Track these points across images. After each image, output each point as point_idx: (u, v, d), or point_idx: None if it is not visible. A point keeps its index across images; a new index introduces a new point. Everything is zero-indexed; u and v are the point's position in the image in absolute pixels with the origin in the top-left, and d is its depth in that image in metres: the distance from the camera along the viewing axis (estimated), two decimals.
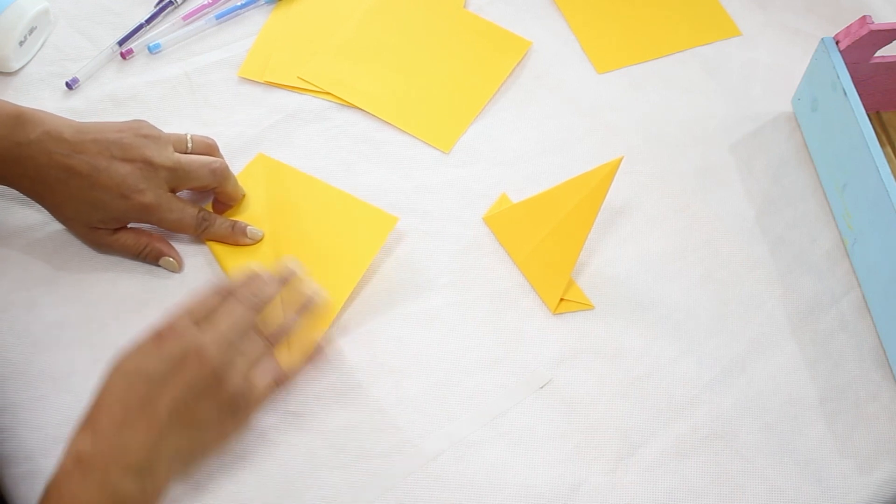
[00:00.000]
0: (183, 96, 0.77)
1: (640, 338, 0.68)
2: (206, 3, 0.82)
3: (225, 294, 0.57)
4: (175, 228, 0.66)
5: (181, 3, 0.83)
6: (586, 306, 0.69)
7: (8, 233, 0.66)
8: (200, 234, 0.66)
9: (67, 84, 0.76)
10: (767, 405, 0.65)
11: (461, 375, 0.65)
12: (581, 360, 0.66)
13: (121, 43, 0.79)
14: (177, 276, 0.67)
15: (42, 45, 0.79)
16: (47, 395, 0.61)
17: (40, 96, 0.76)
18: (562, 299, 0.68)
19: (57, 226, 0.68)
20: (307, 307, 0.61)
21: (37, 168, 0.61)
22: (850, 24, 0.73)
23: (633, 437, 0.63)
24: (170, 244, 0.67)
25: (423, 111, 0.79)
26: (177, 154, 0.65)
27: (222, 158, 0.69)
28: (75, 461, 0.49)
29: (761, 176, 0.77)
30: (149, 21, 0.81)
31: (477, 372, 0.65)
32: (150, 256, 0.66)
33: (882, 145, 0.79)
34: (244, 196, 0.70)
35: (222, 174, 0.66)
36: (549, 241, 0.68)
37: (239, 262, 0.67)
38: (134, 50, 0.79)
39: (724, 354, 0.68)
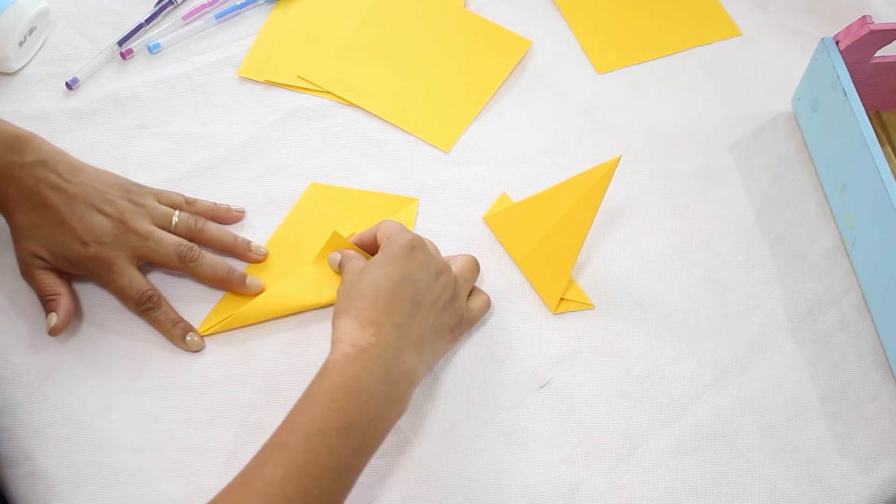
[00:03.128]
0: (183, 96, 0.77)
1: (640, 337, 0.68)
2: (205, 2, 0.82)
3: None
4: (117, 295, 0.64)
5: (181, 3, 0.83)
6: (586, 306, 0.69)
7: (8, 234, 0.66)
8: (140, 313, 0.64)
9: (67, 84, 0.76)
10: (767, 405, 0.65)
11: (461, 375, 0.65)
12: (581, 360, 0.66)
13: (121, 43, 0.79)
14: (179, 278, 0.67)
15: (42, 45, 0.79)
16: (47, 396, 0.61)
17: (40, 96, 0.76)
18: (562, 299, 0.68)
19: None
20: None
21: (19, 189, 0.62)
22: (850, 24, 0.73)
23: (633, 437, 0.63)
24: (73, 310, 0.63)
25: (423, 110, 0.79)
26: (153, 227, 0.64)
27: (228, 236, 0.67)
28: (360, 350, 0.55)
29: (761, 176, 0.77)
30: (148, 21, 0.81)
31: (477, 371, 0.65)
32: (49, 305, 0.62)
33: (882, 145, 0.79)
34: (230, 277, 0.66)
35: (190, 258, 0.64)
36: (548, 241, 0.68)
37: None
38: (134, 50, 0.79)
39: (724, 354, 0.68)
